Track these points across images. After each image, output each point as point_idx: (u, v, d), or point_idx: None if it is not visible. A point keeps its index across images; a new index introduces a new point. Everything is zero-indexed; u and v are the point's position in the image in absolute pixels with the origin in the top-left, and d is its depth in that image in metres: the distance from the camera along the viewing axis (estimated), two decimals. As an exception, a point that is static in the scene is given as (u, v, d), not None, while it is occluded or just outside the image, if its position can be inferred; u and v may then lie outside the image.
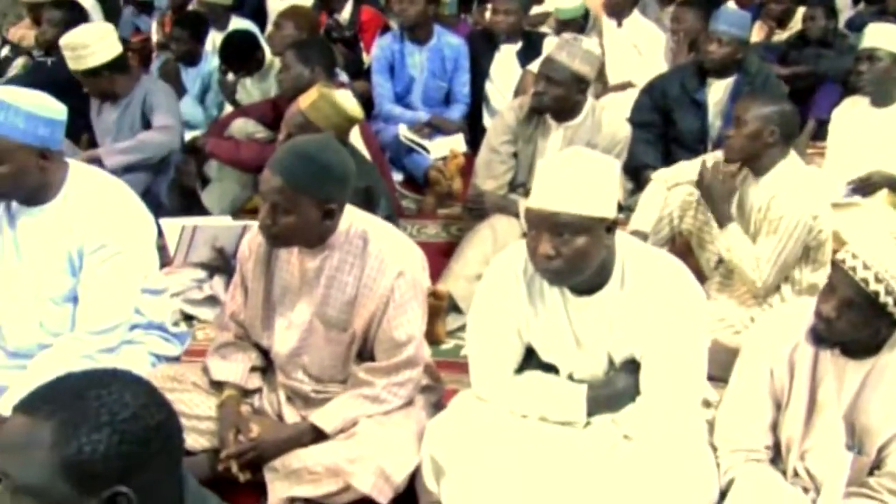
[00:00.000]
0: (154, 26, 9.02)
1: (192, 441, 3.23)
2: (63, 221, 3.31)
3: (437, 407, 3.34)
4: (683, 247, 4.40)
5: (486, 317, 3.09)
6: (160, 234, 4.25)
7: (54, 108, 3.26)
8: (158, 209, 4.93)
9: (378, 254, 3.10)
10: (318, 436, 3.13)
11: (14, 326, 3.43)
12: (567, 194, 2.71)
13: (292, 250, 3.18)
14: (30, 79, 5.35)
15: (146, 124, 5.31)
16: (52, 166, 3.27)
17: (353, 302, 3.13)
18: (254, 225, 4.29)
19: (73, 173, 3.36)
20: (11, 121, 3.14)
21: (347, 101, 4.27)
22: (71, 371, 1.64)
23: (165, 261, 4.40)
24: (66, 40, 5.01)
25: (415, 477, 3.08)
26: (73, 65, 5.05)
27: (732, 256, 3.96)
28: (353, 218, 3.16)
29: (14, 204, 3.35)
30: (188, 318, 4.52)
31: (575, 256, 2.75)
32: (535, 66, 5.33)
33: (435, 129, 6.52)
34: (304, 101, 4.21)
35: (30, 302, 3.38)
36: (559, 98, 4.59)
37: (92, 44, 5.03)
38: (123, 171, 4.84)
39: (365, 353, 3.22)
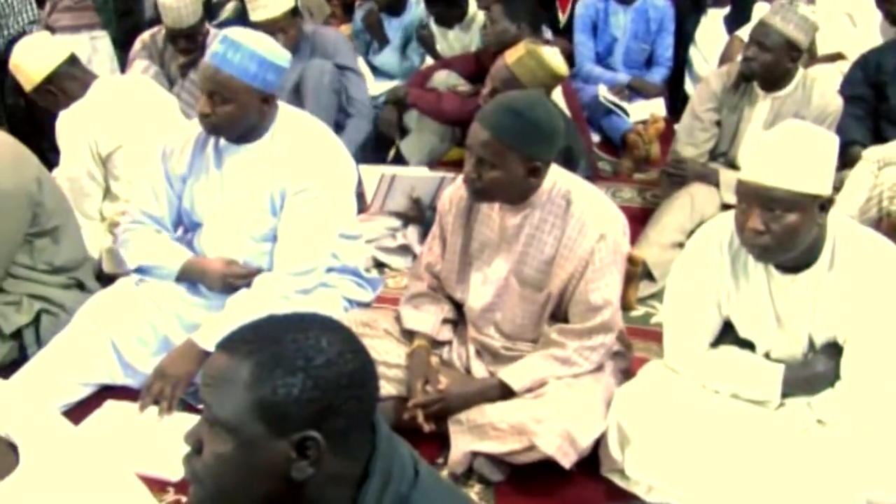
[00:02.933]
0: (358, -26, 9.10)
1: (380, 387, 3.26)
2: (268, 161, 3.38)
3: (626, 374, 3.29)
4: (891, 229, 4.22)
5: (685, 287, 3.03)
6: (358, 180, 4.30)
7: (283, 56, 3.33)
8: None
9: (580, 215, 3.06)
10: (505, 393, 3.11)
11: (216, 263, 3.54)
12: (783, 169, 2.62)
13: (493, 206, 3.17)
14: (238, 23, 5.46)
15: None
16: (269, 110, 3.36)
17: (551, 262, 3.10)
18: (451, 177, 4.33)
19: (282, 115, 3.43)
20: (245, 63, 3.22)
21: (554, 58, 4.23)
22: (274, 314, 1.66)
23: (361, 207, 4.45)
24: None
25: (599, 443, 3.05)
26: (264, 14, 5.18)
27: None
28: (557, 177, 3.12)
29: (222, 141, 3.44)
30: (380, 266, 4.57)
31: (785, 233, 2.67)
32: (743, 32, 5.19)
33: (635, 91, 6.44)
34: (511, 56, 4.20)
35: (231, 239, 3.48)
36: (769, 65, 4.44)
37: None
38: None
39: (559, 314, 3.18)
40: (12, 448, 1.74)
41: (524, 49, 4.19)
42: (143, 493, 1.98)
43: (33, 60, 4.03)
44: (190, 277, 3.52)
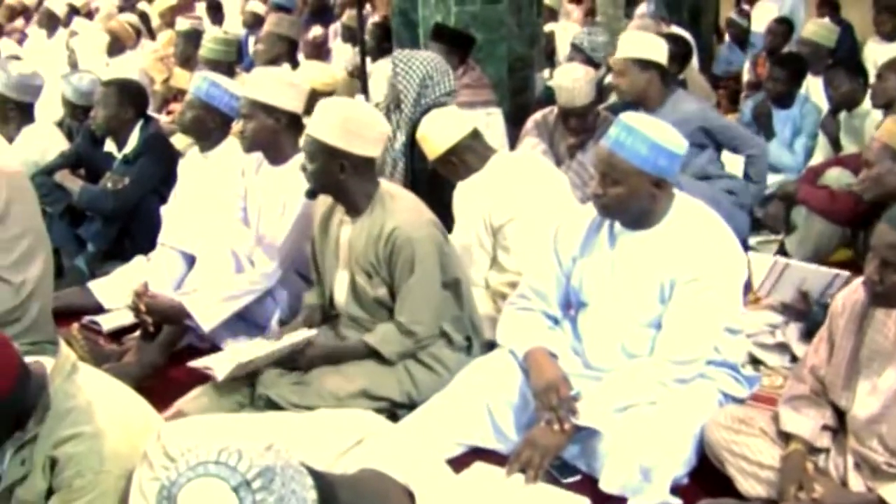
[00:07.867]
0: (747, 65, 9.06)
1: (749, 487, 3.20)
2: (661, 249, 3.42)
3: None
4: None
5: None
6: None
7: (677, 143, 3.38)
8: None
9: None
10: (886, 511, 2.95)
11: (596, 343, 3.60)
12: None
13: (890, 313, 3.03)
14: (627, 107, 5.54)
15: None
16: (662, 195, 3.40)
17: (949, 379, 2.93)
18: (846, 275, 4.20)
19: (678, 203, 3.47)
20: (636, 147, 3.30)
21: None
22: None
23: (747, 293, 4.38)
24: None
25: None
26: None
27: None
28: None
29: (617, 225, 3.50)
30: (754, 362, 4.45)
31: None
32: None
33: None
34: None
35: (616, 322, 3.53)
36: None
37: None
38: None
39: (949, 436, 3.00)
40: (409, 496, 1.84)
41: (923, 142, 4.05)
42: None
43: (440, 132, 4.28)
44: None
